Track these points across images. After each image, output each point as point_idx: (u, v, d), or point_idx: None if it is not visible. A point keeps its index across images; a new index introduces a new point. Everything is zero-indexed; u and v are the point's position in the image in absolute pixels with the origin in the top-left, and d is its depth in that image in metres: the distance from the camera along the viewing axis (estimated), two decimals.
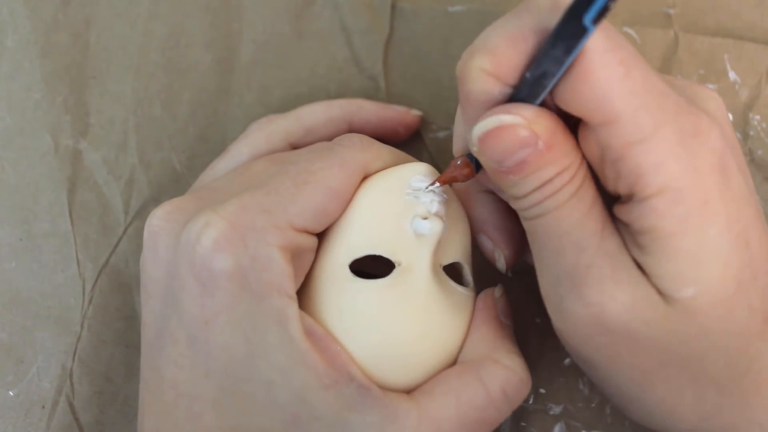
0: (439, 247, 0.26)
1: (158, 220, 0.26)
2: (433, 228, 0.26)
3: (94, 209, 0.33)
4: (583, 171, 0.23)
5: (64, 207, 0.33)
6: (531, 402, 0.31)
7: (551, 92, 0.22)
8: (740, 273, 0.22)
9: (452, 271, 0.28)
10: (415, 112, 0.33)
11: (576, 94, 0.21)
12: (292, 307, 0.24)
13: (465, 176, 0.25)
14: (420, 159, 0.33)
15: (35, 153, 0.33)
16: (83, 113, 0.34)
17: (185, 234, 0.24)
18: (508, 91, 0.22)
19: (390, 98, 0.35)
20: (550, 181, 0.22)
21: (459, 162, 0.25)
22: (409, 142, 0.34)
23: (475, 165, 0.25)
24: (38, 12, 0.34)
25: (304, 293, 0.26)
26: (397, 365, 0.25)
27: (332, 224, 0.26)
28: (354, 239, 0.25)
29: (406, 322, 0.25)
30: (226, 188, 0.27)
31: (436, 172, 0.26)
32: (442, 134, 0.34)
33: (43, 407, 0.31)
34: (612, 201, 0.23)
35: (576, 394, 0.31)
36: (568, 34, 0.20)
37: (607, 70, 0.21)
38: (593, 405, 0.31)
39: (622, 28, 0.35)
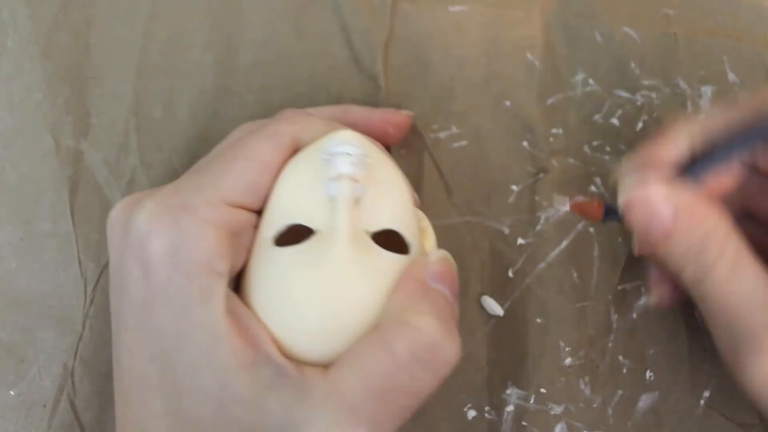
0: (364, 212, 0.25)
1: (114, 212, 0.26)
2: (341, 189, 0.24)
3: (96, 209, 0.33)
4: (735, 243, 0.25)
5: (65, 207, 0.33)
6: (532, 402, 0.31)
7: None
8: None
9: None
10: (405, 112, 0.33)
11: None
12: (219, 285, 0.23)
13: (591, 216, 0.28)
14: (421, 160, 0.34)
15: (36, 153, 0.33)
16: (84, 114, 0.34)
17: (129, 221, 0.24)
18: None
19: (390, 98, 0.35)
20: (699, 249, 0.24)
21: (596, 203, 0.28)
22: (410, 142, 0.34)
23: (605, 213, 0.28)
24: (39, 13, 0.34)
25: (243, 271, 0.26)
26: (315, 337, 0.24)
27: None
28: (275, 211, 0.25)
29: (320, 290, 0.24)
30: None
31: (358, 136, 0.26)
32: (442, 134, 0.34)
33: (45, 407, 0.31)
34: None
35: (577, 394, 0.31)
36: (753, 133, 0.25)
37: None
38: (595, 405, 0.31)
39: (622, 28, 0.35)
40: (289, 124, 0.27)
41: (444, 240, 0.32)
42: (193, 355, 0.23)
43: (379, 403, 0.22)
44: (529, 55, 0.35)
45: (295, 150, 0.26)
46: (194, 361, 0.23)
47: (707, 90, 0.34)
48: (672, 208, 0.25)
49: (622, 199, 0.26)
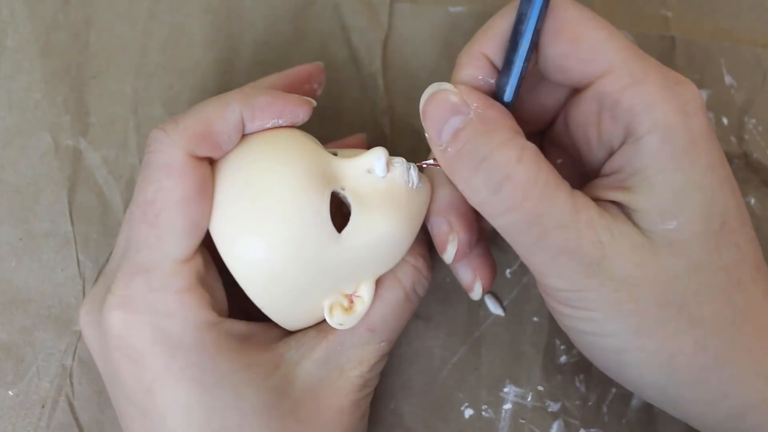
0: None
1: (82, 317, 0.27)
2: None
3: (95, 209, 0.33)
4: (533, 152, 0.24)
5: (64, 206, 0.33)
6: (529, 399, 0.31)
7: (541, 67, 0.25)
8: (726, 214, 0.24)
9: None
10: (317, 63, 0.31)
11: (570, 57, 0.25)
12: (223, 327, 0.25)
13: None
14: (419, 158, 0.34)
15: (35, 153, 0.33)
16: (83, 113, 0.34)
17: (101, 325, 0.25)
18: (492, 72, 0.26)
19: (389, 97, 0.35)
20: (488, 158, 0.23)
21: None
22: (409, 142, 0.34)
23: None
24: (38, 12, 0.34)
25: None
26: None
27: None
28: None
29: None
30: (115, 258, 0.27)
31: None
32: None
33: (43, 407, 0.31)
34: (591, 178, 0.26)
35: (573, 392, 0.31)
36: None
37: (595, 31, 0.24)
38: (590, 403, 0.31)
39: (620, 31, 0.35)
40: (170, 146, 0.25)
41: None
42: (231, 395, 0.25)
43: (394, 322, 0.28)
44: None
45: (207, 158, 0.26)
46: (235, 397, 0.25)
47: (703, 94, 0.35)
48: (479, 102, 0.24)
49: (423, 99, 0.25)
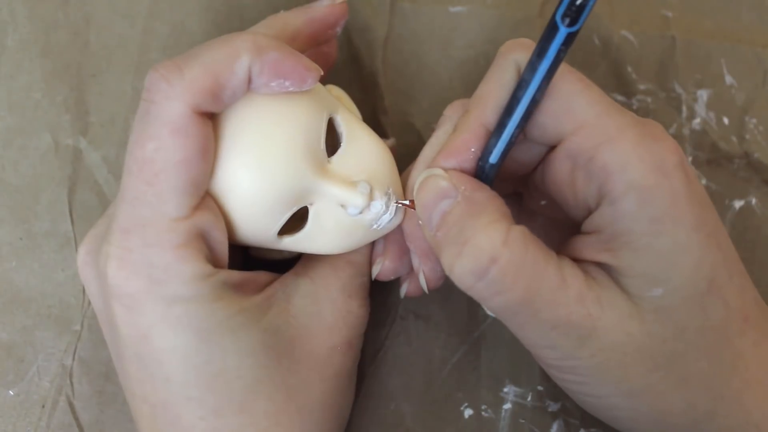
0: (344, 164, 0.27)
1: (81, 256, 0.26)
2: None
3: (95, 208, 0.33)
4: (520, 233, 0.23)
5: (64, 206, 0.33)
6: (529, 399, 0.31)
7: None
8: (713, 272, 0.23)
9: None
10: (342, 3, 0.29)
11: (543, 113, 0.24)
12: (218, 278, 0.24)
13: None
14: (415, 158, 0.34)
15: (35, 152, 0.33)
16: (83, 112, 0.34)
17: (98, 269, 0.25)
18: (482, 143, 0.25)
19: (389, 96, 0.35)
20: (470, 240, 0.23)
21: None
22: (408, 141, 0.34)
23: None
24: (38, 11, 0.34)
25: None
26: None
27: None
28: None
29: None
30: (117, 204, 0.26)
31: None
32: None
33: (43, 406, 0.31)
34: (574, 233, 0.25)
35: None
36: (545, 37, 0.22)
37: (569, 85, 0.24)
38: None
39: (620, 32, 0.35)
40: (173, 99, 0.23)
41: None
42: (228, 340, 0.24)
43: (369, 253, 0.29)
44: None
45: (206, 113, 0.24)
46: (232, 340, 0.24)
47: (703, 94, 0.35)
48: (467, 184, 0.24)
49: (415, 184, 0.26)
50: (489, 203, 0.24)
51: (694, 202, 0.23)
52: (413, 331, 0.32)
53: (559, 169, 0.25)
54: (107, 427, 0.31)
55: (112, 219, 0.25)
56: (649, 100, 0.34)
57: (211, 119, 0.24)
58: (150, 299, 0.24)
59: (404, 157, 0.30)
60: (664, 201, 0.22)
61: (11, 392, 0.31)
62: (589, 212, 0.24)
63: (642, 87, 0.35)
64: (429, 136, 0.33)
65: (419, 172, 0.26)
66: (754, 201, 0.34)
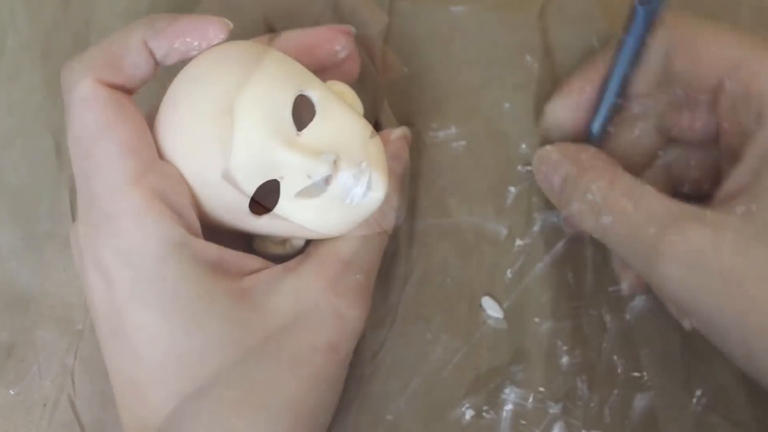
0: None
1: (73, 229, 0.27)
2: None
3: None
4: (625, 177, 0.27)
5: (65, 207, 0.33)
6: (530, 401, 0.31)
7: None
8: None
9: None
10: (346, 27, 0.30)
11: (696, 63, 0.27)
12: (189, 249, 0.25)
13: None
14: (419, 159, 0.34)
15: (37, 154, 0.33)
16: None
17: (77, 249, 0.26)
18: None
19: (388, 96, 0.35)
20: (587, 192, 0.27)
21: None
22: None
23: None
24: (38, 13, 0.34)
25: None
26: None
27: None
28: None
29: None
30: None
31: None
32: (441, 134, 0.34)
33: (45, 406, 0.31)
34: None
35: (575, 393, 0.31)
36: (629, 25, 0.27)
37: (711, 37, 0.28)
38: (592, 404, 0.31)
39: (620, 32, 0.35)
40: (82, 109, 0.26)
41: (442, 240, 0.33)
42: (193, 324, 0.24)
43: (366, 253, 0.28)
44: (528, 58, 0.35)
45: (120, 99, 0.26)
46: (198, 325, 0.25)
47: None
48: (565, 159, 0.29)
49: (534, 161, 0.31)
50: (593, 161, 0.28)
51: None
52: (413, 332, 0.32)
53: (722, 109, 0.27)
54: (109, 427, 0.31)
55: (78, 196, 0.26)
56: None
57: (128, 93, 0.26)
58: (120, 274, 0.24)
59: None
60: None
61: (12, 392, 0.31)
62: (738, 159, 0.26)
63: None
64: (429, 136, 0.34)
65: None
66: None
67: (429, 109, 0.34)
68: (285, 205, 0.26)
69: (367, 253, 0.28)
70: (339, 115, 0.27)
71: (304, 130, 0.26)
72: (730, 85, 0.27)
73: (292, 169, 0.26)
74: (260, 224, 0.27)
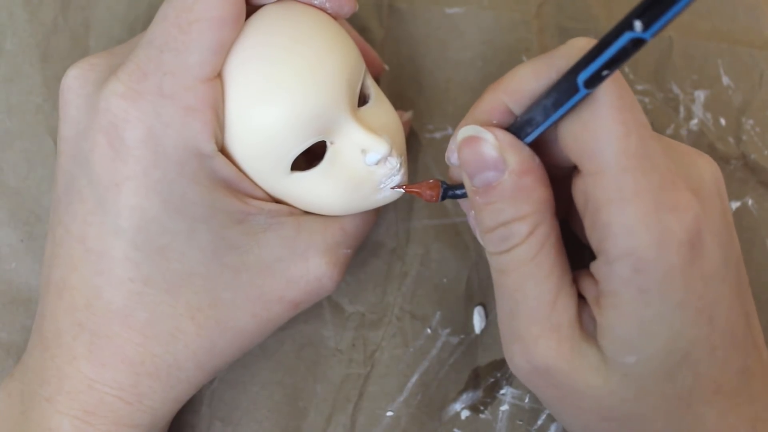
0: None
1: (71, 79, 0.26)
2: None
3: None
4: (543, 234, 0.23)
5: None
6: (527, 401, 0.31)
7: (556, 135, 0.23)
8: (690, 346, 0.22)
9: None
10: None
11: (575, 138, 0.22)
12: (208, 163, 0.25)
13: (429, 197, 0.27)
14: (417, 160, 0.34)
15: (37, 156, 0.33)
16: None
17: (97, 100, 0.24)
18: (508, 120, 0.24)
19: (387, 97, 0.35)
20: (507, 224, 0.23)
21: (431, 181, 0.27)
22: (407, 141, 0.34)
23: (442, 193, 0.26)
24: (38, 16, 0.34)
25: None
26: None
27: None
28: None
29: None
30: (133, 43, 0.27)
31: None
32: (438, 135, 0.34)
33: None
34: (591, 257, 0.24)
35: None
36: (562, 89, 0.21)
37: (609, 125, 0.21)
38: None
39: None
40: None
41: (439, 240, 0.33)
42: (188, 225, 0.25)
43: (363, 227, 0.29)
44: (524, 58, 0.35)
45: None
46: (189, 228, 0.25)
47: (700, 94, 0.35)
48: (518, 166, 0.23)
49: (460, 136, 0.24)
50: (533, 193, 0.23)
51: (691, 278, 0.22)
52: (411, 332, 0.32)
53: (577, 196, 0.23)
54: None
55: (130, 58, 0.25)
56: (646, 100, 0.34)
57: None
58: (139, 153, 0.24)
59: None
60: (657, 275, 0.21)
61: None
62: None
63: (640, 87, 0.35)
64: (426, 137, 0.34)
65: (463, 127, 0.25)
66: (750, 202, 0.33)
67: (426, 109, 0.34)
68: (325, 167, 0.26)
69: (363, 231, 0.29)
70: (387, 106, 0.28)
71: (362, 108, 0.27)
72: (587, 189, 0.22)
73: (350, 139, 0.26)
74: (288, 181, 0.26)
